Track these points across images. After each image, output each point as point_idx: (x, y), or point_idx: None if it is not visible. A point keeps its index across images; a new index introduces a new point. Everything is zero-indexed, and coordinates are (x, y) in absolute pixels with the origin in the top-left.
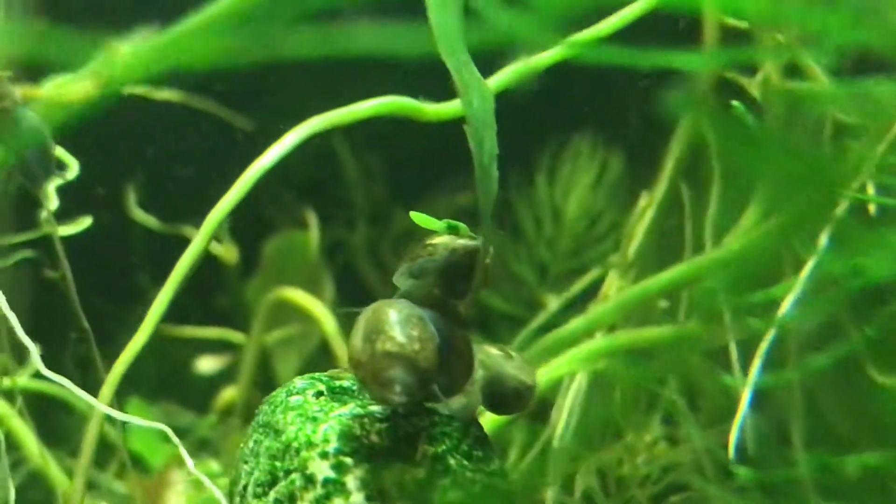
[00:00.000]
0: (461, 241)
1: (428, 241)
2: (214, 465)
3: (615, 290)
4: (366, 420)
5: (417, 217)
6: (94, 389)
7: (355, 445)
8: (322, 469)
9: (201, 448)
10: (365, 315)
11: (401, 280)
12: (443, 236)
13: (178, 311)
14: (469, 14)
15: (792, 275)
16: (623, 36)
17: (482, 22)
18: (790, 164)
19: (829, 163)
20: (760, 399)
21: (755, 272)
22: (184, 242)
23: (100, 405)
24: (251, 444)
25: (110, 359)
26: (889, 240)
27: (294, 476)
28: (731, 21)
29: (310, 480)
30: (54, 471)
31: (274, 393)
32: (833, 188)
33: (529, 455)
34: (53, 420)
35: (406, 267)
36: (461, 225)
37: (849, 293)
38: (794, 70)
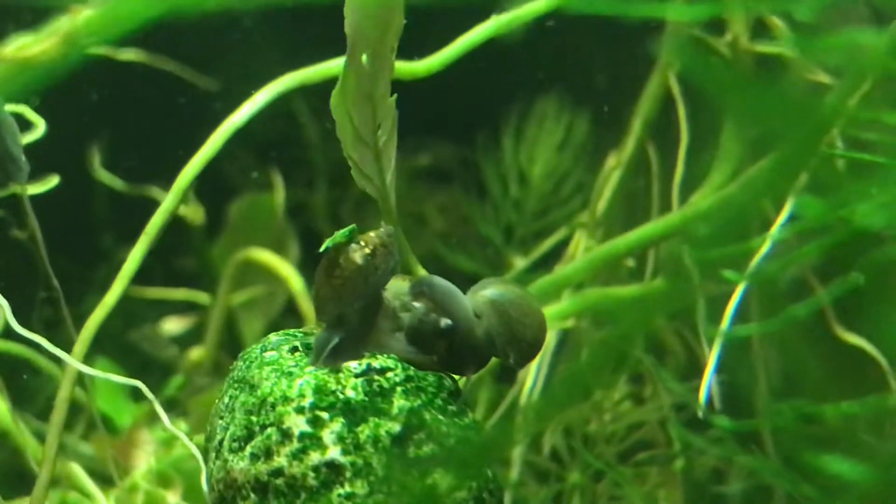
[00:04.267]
0: (374, 236)
1: (348, 257)
2: (183, 425)
3: (583, 249)
4: (341, 375)
5: (328, 243)
6: (62, 349)
7: (331, 400)
8: (298, 423)
9: (169, 408)
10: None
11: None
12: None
13: (143, 272)
14: None
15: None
16: None
17: None
18: (775, 107)
19: (811, 107)
20: (725, 357)
21: (729, 226)
22: (148, 202)
23: (75, 362)
24: (226, 399)
25: (76, 320)
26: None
27: (270, 430)
28: None
29: (286, 435)
30: (23, 432)
31: (248, 349)
32: (815, 133)
33: (496, 414)
34: (19, 381)
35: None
36: (352, 226)
37: (825, 245)
38: (760, 30)
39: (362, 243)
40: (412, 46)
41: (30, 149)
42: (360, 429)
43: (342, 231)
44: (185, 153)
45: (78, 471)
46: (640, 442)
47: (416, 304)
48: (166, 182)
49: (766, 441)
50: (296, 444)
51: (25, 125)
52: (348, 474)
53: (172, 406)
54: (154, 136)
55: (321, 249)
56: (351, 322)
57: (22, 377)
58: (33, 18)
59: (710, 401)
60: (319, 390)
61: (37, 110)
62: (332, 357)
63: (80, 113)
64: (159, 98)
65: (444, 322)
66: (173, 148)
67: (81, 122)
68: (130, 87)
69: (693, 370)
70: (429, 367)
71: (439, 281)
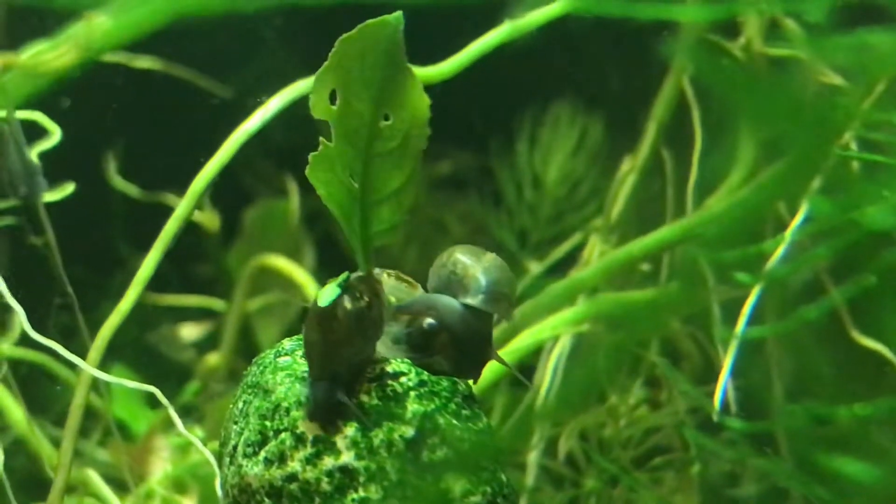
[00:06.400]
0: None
1: (345, 310)
2: (199, 431)
3: (597, 253)
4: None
5: (321, 294)
6: (78, 356)
7: None
8: (312, 428)
9: (185, 414)
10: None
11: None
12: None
13: (159, 279)
14: None
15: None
16: None
17: None
18: (788, 108)
19: (826, 108)
20: (741, 362)
21: (742, 229)
22: (163, 209)
23: (89, 368)
24: (240, 404)
25: (92, 327)
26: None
27: (284, 435)
28: None
29: (300, 440)
30: (39, 438)
31: (262, 354)
32: (828, 134)
33: (512, 418)
34: (36, 388)
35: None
36: (346, 274)
37: (838, 247)
38: (774, 32)
39: (357, 294)
40: (426, 51)
41: (46, 156)
42: (373, 433)
43: (336, 280)
44: (204, 160)
45: (94, 477)
46: (655, 447)
47: (400, 320)
48: (183, 189)
49: (781, 443)
50: (310, 449)
51: (41, 132)
52: (362, 479)
53: (189, 412)
54: (170, 143)
55: (317, 300)
56: (344, 376)
57: (40, 385)
58: (55, 23)
59: (725, 404)
60: None
61: (51, 117)
62: (332, 414)
63: (95, 120)
64: (175, 105)
65: (427, 322)
66: (190, 155)
67: (97, 128)
68: (146, 94)
69: (708, 374)
70: (439, 368)
71: (421, 296)
